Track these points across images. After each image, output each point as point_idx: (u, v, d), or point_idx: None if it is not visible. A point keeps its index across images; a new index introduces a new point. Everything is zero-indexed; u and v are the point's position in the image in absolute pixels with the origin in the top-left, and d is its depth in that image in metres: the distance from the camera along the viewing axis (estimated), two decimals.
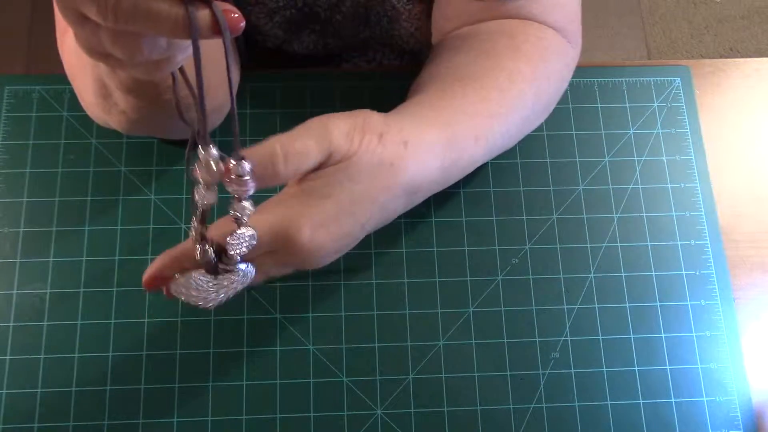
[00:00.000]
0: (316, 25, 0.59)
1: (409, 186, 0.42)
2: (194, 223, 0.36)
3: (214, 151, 0.33)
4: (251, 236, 0.36)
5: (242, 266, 0.38)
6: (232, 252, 0.36)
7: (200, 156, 0.33)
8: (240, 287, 0.39)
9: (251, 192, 0.34)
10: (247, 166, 0.33)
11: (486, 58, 0.48)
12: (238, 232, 0.36)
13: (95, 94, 0.42)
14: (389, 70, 0.64)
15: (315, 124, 0.39)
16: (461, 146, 0.44)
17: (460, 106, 0.45)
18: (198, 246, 0.36)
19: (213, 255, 0.37)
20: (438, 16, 0.56)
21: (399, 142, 0.41)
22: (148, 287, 0.40)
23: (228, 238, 0.36)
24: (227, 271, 0.37)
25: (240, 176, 0.33)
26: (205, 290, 0.38)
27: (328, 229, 0.39)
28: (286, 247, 0.38)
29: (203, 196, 0.34)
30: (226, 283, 0.38)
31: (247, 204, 0.34)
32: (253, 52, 0.63)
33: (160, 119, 0.44)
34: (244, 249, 0.36)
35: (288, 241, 0.38)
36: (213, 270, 0.37)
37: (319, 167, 0.39)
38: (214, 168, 0.32)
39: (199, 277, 0.38)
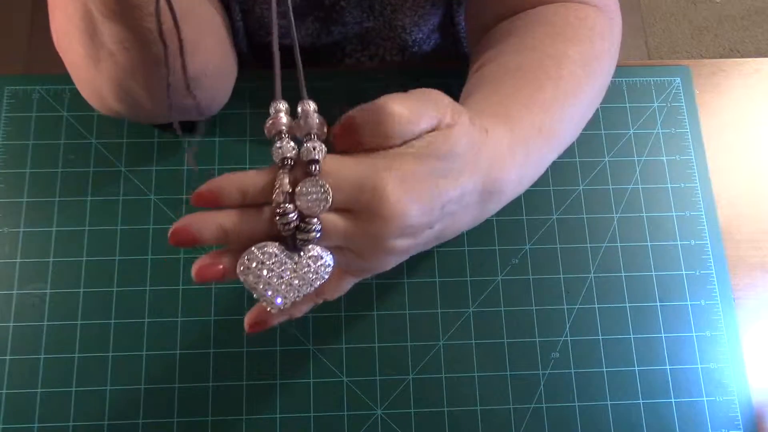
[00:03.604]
0: (320, 12, 0.59)
1: (487, 179, 0.39)
2: (280, 178, 0.33)
3: (282, 102, 0.34)
4: (322, 187, 0.32)
5: (321, 250, 0.34)
6: (301, 203, 0.32)
7: (270, 111, 0.33)
8: (317, 283, 0.35)
9: (319, 129, 0.33)
10: (311, 104, 0.34)
11: (530, 49, 0.46)
12: (309, 181, 0.32)
13: (82, 37, 0.41)
14: (391, 67, 0.64)
15: (428, 90, 0.36)
16: (528, 139, 0.42)
17: (516, 99, 0.43)
18: (281, 204, 0.32)
19: (295, 217, 0.33)
20: (473, 7, 0.55)
21: (482, 128, 0.38)
22: (199, 203, 0.34)
23: (299, 187, 0.32)
24: (305, 242, 0.33)
25: (306, 114, 0.33)
26: (278, 275, 0.34)
27: (413, 192, 0.34)
28: (369, 201, 0.34)
29: (283, 146, 0.33)
30: (303, 271, 0.34)
31: (316, 143, 0.33)
32: (253, 46, 0.63)
33: (149, 68, 0.42)
34: (317, 206, 0.33)
35: (374, 193, 0.33)
36: (291, 239, 0.33)
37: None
38: (282, 116, 0.33)
39: (275, 251, 0.34)
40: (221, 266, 0.34)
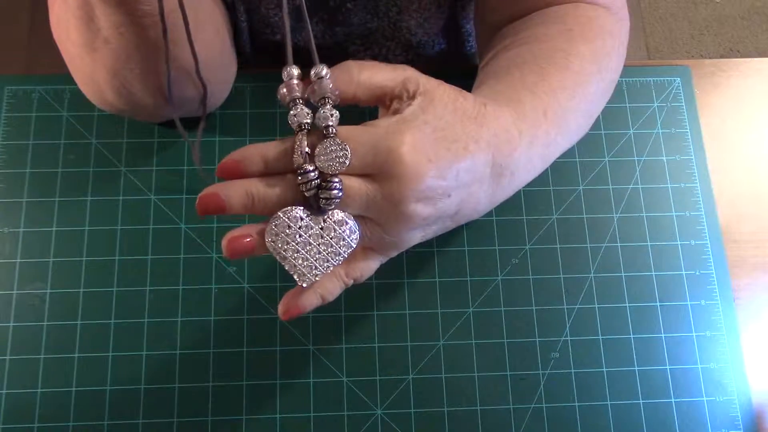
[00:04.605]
0: (324, 13, 0.59)
1: (496, 153, 0.40)
2: (298, 141, 0.34)
3: (294, 68, 0.35)
4: (340, 145, 0.34)
5: (345, 215, 0.35)
6: (321, 163, 0.34)
7: (283, 76, 0.35)
8: (344, 251, 0.36)
9: (332, 93, 0.35)
10: (324, 68, 0.35)
11: (539, 43, 0.47)
12: (327, 141, 0.34)
13: (78, 24, 0.42)
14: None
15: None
16: (533, 121, 0.42)
17: (521, 85, 0.44)
18: (302, 164, 0.34)
19: (315, 176, 0.34)
20: (483, 7, 0.56)
21: (478, 102, 0.40)
22: (223, 173, 0.35)
23: (317, 149, 0.34)
24: (328, 201, 0.34)
25: (319, 77, 0.35)
26: (305, 241, 0.35)
27: (427, 153, 0.36)
28: (384, 162, 0.35)
29: (298, 112, 0.35)
30: (329, 236, 0.35)
31: (329, 109, 0.35)
32: (257, 47, 0.63)
33: (144, 56, 0.43)
34: (336, 163, 0.34)
35: (389, 154, 0.35)
36: (314, 199, 0.35)
37: (403, 97, 0.38)
38: (296, 81, 0.35)
39: (301, 215, 0.35)
40: (250, 238, 0.35)
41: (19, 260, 0.50)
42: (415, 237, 0.40)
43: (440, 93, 0.38)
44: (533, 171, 0.44)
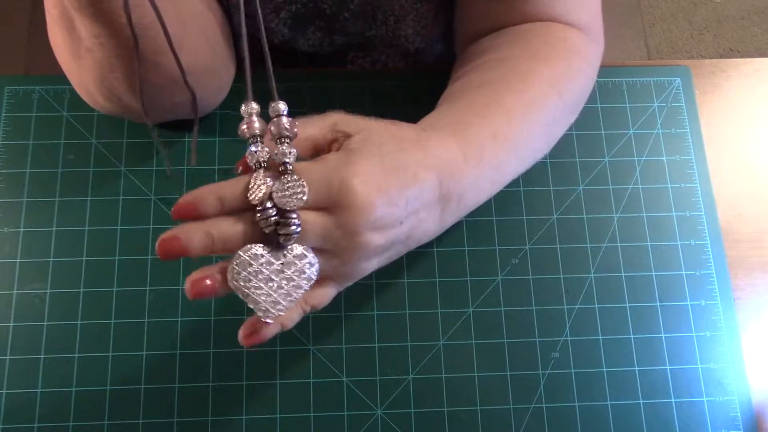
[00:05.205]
0: (321, 21, 0.59)
1: (442, 177, 0.40)
2: (257, 179, 0.35)
3: (253, 104, 0.36)
4: (297, 181, 0.35)
5: (304, 248, 0.36)
6: (279, 200, 0.34)
7: (242, 112, 0.36)
8: (304, 283, 0.37)
9: (291, 131, 0.36)
10: (282, 105, 0.36)
11: (500, 64, 0.47)
12: (285, 177, 0.35)
13: (62, 33, 0.42)
14: (393, 71, 0.64)
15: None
16: (479, 144, 0.43)
17: (470, 109, 0.44)
18: (260, 204, 0.34)
19: (274, 214, 0.35)
20: (461, 19, 0.56)
21: (417, 128, 0.41)
22: (179, 215, 0.35)
23: (275, 185, 0.35)
24: (287, 236, 0.35)
25: (278, 114, 0.36)
26: (267, 277, 0.36)
27: (377, 183, 0.37)
28: (338, 194, 0.36)
29: (258, 150, 0.35)
30: (290, 270, 0.36)
31: (287, 147, 0.35)
32: (256, 51, 0.63)
33: (127, 64, 0.42)
34: (294, 199, 0.35)
35: (340, 186, 0.36)
36: (273, 235, 0.35)
37: (339, 139, 0.39)
38: (255, 120, 0.36)
39: (261, 252, 0.35)
40: (211, 280, 0.35)
41: (19, 260, 0.50)
42: (371, 266, 0.41)
43: (375, 127, 0.39)
44: (482, 193, 0.45)
